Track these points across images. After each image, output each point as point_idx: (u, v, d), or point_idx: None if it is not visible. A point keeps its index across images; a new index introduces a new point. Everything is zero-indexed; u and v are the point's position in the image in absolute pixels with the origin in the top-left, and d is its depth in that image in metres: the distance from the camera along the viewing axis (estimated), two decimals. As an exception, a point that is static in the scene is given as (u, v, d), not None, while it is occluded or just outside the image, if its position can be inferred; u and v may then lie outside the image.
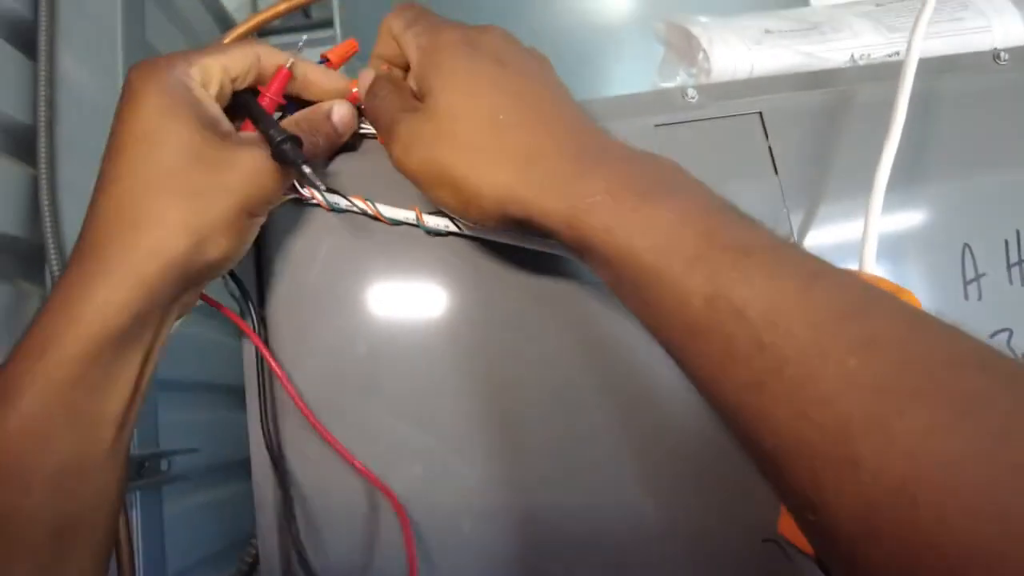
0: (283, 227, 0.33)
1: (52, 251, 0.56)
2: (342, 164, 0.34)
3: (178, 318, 0.29)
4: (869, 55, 0.37)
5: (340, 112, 0.32)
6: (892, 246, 0.34)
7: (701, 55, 0.36)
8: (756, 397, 0.20)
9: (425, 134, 0.27)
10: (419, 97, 0.29)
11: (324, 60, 0.35)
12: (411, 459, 0.31)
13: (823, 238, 0.34)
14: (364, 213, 0.33)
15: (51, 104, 0.61)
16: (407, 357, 0.32)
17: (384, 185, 0.33)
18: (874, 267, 0.29)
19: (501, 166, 0.25)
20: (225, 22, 1.06)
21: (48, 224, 0.56)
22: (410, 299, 0.33)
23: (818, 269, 0.21)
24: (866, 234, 0.30)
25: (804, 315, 0.19)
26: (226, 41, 0.36)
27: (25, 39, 0.62)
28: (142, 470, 0.56)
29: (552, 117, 0.26)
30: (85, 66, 0.65)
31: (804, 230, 0.34)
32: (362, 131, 0.34)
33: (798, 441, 0.19)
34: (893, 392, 0.18)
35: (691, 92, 0.35)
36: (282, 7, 0.38)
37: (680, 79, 0.38)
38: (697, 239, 0.21)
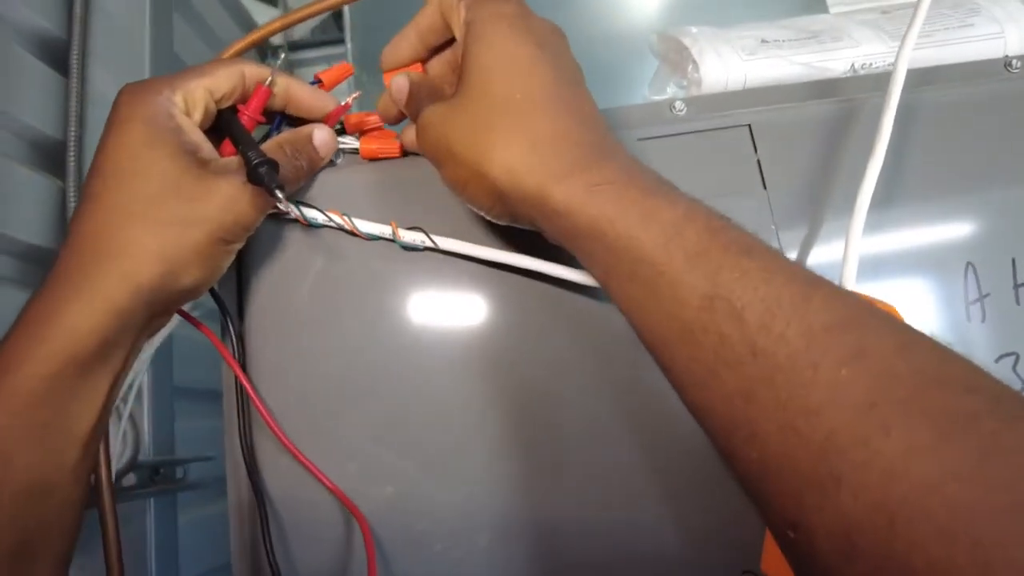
0: (262, 242, 0.34)
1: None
2: (321, 178, 0.34)
3: (149, 337, 0.29)
4: (871, 64, 0.36)
5: (321, 136, 0.33)
6: (890, 262, 0.33)
7: (691, 66, 0.35)
8: (745, 406, 0.20)
9: (446, 113, 0.27)
10: (457, 69, 0.29)
11: (317, 81, 0.35)
12: (384, 479, 0.31)
13: (811, 253, 0.32)
14: (341, 228, 0.33)
15: (81, 120, 0.63)
16: (382, 376, 0.32)
17: (362, 201, 0.33)
18: (854, 285, 0.28)
19: (507, 147, 0.25)
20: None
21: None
22: (387, 317, 0.33)
23: (815, 279, 0.21)
24: (847, 252, 0.29)
25: (800, 323, 0.19)
26: (225, 56, 0.37)
27: (57, 56, 0.64)
28: (157, 476, 0.57)
29: (572, 110, 0.26)
30: (114, 81, 0.68)
31: (792, 245, 0.32)
32: (342, 146, 0.34)
33: (784, 455, 0.19)
34: (879, 408, 0.17)
35: (679, 105, 0.34)
36: (277, 24, 0.38)
37: (671, 91, 0.37)
38: (700, 234, 0.21)
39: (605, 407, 0.31)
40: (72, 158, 0.61)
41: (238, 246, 0.30)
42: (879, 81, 0.35)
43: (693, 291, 0.21)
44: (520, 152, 0.25)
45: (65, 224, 0.59)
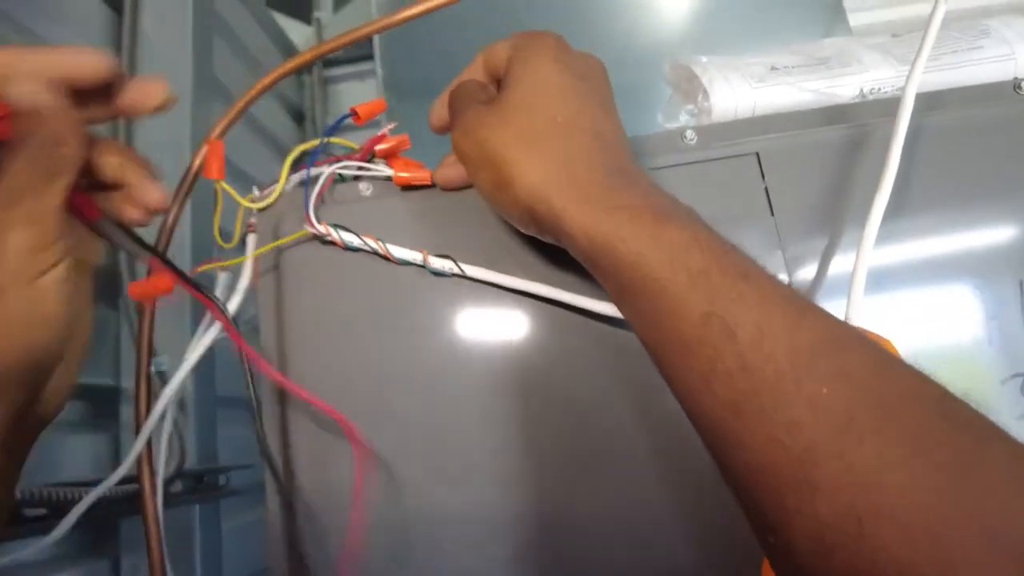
0: (303, 261, 0.36)
1: (126, 278, 0.61)
2: (359, 205, 0.37)
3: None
4: (879, 89, 0.37)
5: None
6: (896, 284, 0.33)
7: (702, 95, 0.36)
8: (734, 416, 0.22)
9: (487, 120, 0.29)
10: (499, 87, 0.31)
11: (352, 114, 0.37)
12: (409, 492, 0.33)
13: (818, 279, 0.33)
14: (375, 252, 0.36)
15: (129, 143, 0.67)
16: (407, 394, 0.34)
17: (396, 227, 0.36)
18: (861, 308, 0.29)
19: (541, 161, 0.27)
20: (290, 53, 1.13)
21: (124, 253, 0.62)
22: (414, 338, 0.35)
23: (807, 306, 0.23)
24: (855, 276, 0.30)
25: (788, 343, 0.21)
26: (265, 82, 0.39)
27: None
28: (200, 484, 0.60)
29: (603, 137, 0.28)
30: (159, 107, 0.71)
31: (799, 270, 0.34)
32: (373, 174, 0.37)
33: (767, 464, 0.21)
34: (856, 423, 0.19)
35: (689, 134, 0.35)
36: (308, 55, 0.41)
37: (683, 119, 0.39)
38: (703, 258, 0.23)
39: (627, 427, 0.33)
40: (120, 181, 0.65)
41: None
42: (887, 106, 0.35)
43: (693, 308, 0.23)
44: (554, 170, 0.27)
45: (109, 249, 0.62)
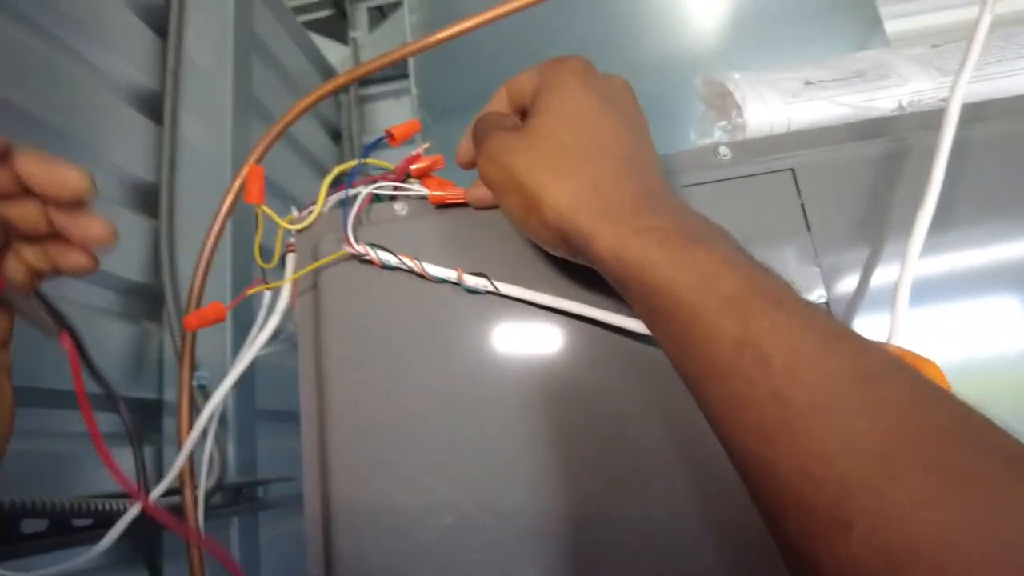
0: (341, 279, 0.37)
1: (169, 295, 0.63)
2: (395, 225, 0.37)
3: None
4: (919, 101, 0.36)
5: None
6: (939, 299, 0.33)
7: (735, 111, 0.36)
8: (765, 446, 0.21)
9: (513, 145, 0.29)
10: (525, 114, 0.31)
11: (388, 135, 0.38)
12: (442, 510, 0.33)
13: (858, 295, 0.33)
14: (411, 271, 0.36)
15: (172, 164, 0.69)
16: (443, 411, 0.34)
17: (431, 246, 0.36)
18: (905, 324, 0.29)
19: (570, 184, 0.27)
20: (327, 72, 1.15)
21: (167, 271, 0.64)
22: (449, 355, 0.35)
23: (844, 333, 0.22)
24: (897, 295, 0.29)
25: (822, 372, 0.20)
26: (303, 104, 0.40)
27: (152, 106, 0.71)
28: (240, 496, 0.61)
29: (632, 159, 0.28)
30: (201, 126, 0.74)
31: (837, 286, 0.33)
32: (408, 193, 0.37)
33: (799, 496, 0.20)
34: (893, 459, 0.19)
35: (723, 150, 0.35)
36: (343, 79, 0.42)
37: (716, 136, 0.39)
38: (736, 282, 0.23)
39: (660, 445, 0.32)
40: (165, 199, 0.67)
41: None
42: (929, 118, 0.35)
43: (725, 335, 0.22)
44: (582, 191, 0.27)
45: (158, 261, 0.64)
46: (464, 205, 0.37)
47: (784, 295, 0.23)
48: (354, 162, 0.38)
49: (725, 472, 0.24)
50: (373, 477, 0.33)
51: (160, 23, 0.73)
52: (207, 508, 0.38)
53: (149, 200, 0.69)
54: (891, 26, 0.71)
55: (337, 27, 1.32)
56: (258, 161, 0.40)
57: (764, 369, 0.21)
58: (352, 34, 1.27)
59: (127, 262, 0.63)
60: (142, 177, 0.67)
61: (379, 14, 1.34)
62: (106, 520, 0.42)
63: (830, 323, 0.22)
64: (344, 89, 1.16)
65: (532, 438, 0.33)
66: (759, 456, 0.21)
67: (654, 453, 0.32)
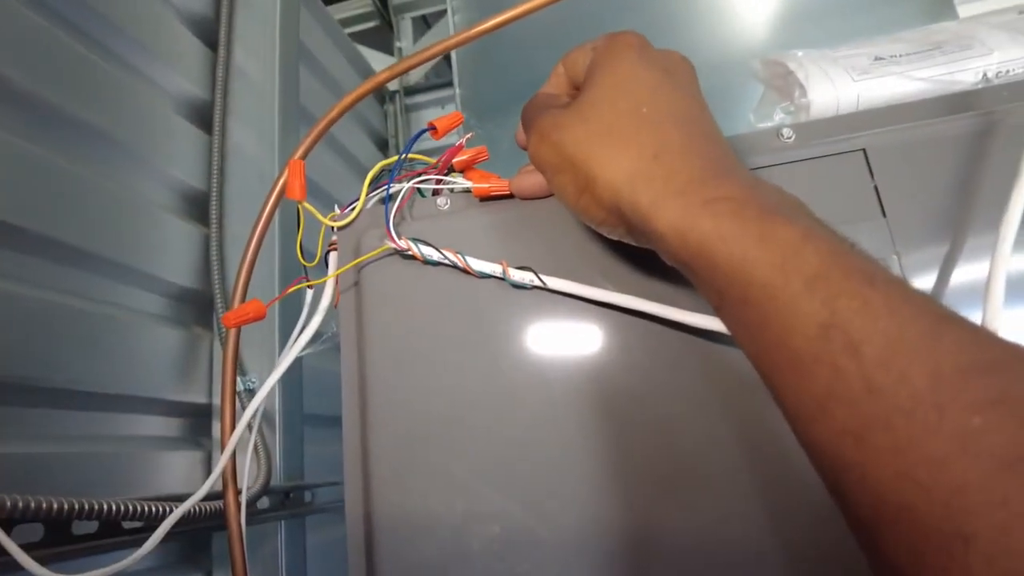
0: (383, 276, 0.36)
1: (219, 300, 0.64)
2: (438, 219, 0.36)
3: None
4: (1008, 71, 0.33)
5: None
6: (1037, 292, 0.29)
7: (798, 91, 0.34)
8: (857, 447, 0.18)
9: (563, 121, 0.27)
10: (579, 89, 0.29)
11: (431, 128, 0.37)
12: (490, 518, 0.31)
13: (940, 286, 0.30)
14: (455, 266, 0.35)
15: (222, 171, 0.70)
16: (488, 413, 0.33)
17: (475, 240, 0.35)
18: (1000, 318, 0.26)
19: (627, 154, 0.25)
20: (373, 81, 1.16)
21: (216, 276, 0.65)
22: (496, 353, 0.34)
23: (947, 314, 0.19)
24: (991, 283, 0.26)
25: (927, 361, 0.18)
26: (344, 104, 0.39)
27: (202, 116, 0.72)
28: (287, 501, 0.61)
29: (696, 124, 0.26)
30: (249, 134, 0.75)
31: (917, 278, 0.30)
32: (451, 187, 0.36)
33: (900, 505, 0.17)
34: (1020, 462, 0.16)
35: (787, 132, 0.33)
36: (384, 75, 0.41)
37: (777, 118, 0.36)
38: (820, 258, 0.20)
39: (723, 450, 0.30)
40: (215, 206, 0.68)
41: None
42: (1021, 89, 0.32)
43: (809, 318, 0.19)
44: (641, 161, 0.24)
45: (209, 267, 0.65)
46: (509, 197, 0.36)
47: (877, 273, 0.20)
48: (396, 157, 0.37)
49: (803, 480, 0.21)
50: (416, 483, 0.32)
51: (210, 35, 0.74)
52: (254, 512, 0.37)
53: (199, 207, 0.70)
54: (964, 11, 0.67)
55: (384, 38, 1.33)
56: (301, 158, 0.39)
57: (855, 357, 0.18)
58: (397, 44, 1.28)
59: (178, 268, 0.64)
60: (192, 185, 0.68)
61: (424, 24, 1.35)
62: (155, 522, 0.42)
63: (933, 305, 0.19)
64: (390, 98, 1.17)
65: (583, 442, 0.31)
66: (849, 460, 0.19)
67: (720, 459, 0.30)
